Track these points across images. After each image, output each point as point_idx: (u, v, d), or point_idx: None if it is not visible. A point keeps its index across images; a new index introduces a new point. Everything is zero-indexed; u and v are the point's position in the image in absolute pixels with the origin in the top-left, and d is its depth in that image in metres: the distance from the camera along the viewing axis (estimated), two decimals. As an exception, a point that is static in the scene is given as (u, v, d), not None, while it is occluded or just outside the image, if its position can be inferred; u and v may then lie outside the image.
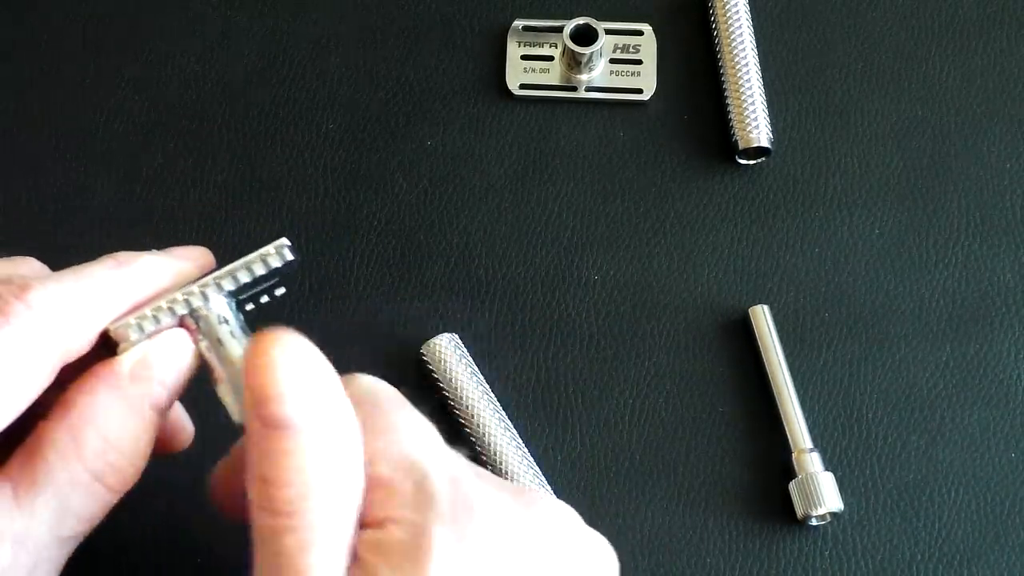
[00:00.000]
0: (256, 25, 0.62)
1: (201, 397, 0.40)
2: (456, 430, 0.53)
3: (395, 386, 0.40)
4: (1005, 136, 0.59)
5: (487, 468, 0.51)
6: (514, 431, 0.53)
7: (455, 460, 0.38)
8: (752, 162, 0.59)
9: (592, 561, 0.39)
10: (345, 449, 0.36)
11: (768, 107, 0.59)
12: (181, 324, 0.39)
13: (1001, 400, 0.55)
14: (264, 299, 0.41)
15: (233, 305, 0.40)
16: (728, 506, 0.53)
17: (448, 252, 0.57)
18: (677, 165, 0.59)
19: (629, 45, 0.61)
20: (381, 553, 0.35)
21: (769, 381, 0.54)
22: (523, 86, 0.60)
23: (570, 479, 0.53)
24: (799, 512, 0.52)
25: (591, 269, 0.57)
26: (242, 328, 0.40)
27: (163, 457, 0.42)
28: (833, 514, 0.52)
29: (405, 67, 0.61)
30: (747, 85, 0.58)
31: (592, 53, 0.59)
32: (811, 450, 0.53)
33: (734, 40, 0.59)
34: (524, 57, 0.61)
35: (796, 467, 0.52)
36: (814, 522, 0.52)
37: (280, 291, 0.41)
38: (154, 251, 0.41)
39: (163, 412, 0.39)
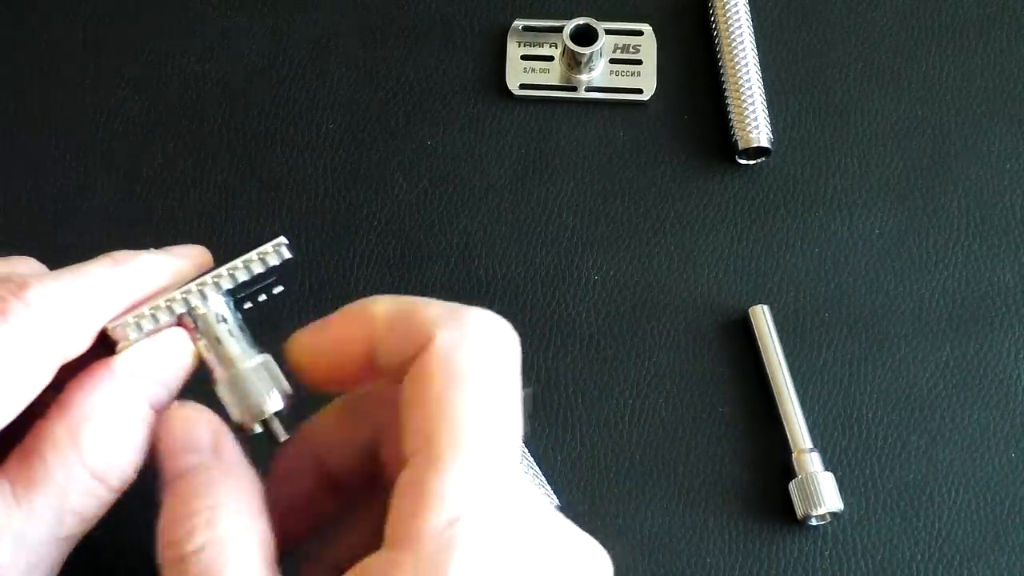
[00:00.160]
0: (256, 25, 0.62)
1: (200, 397, 0.40)
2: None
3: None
4: (1005, 136, 0.59)
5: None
6: (514, 431, 0.53)
7: None
8: (752, 162, 0.59)
9: (585, 565, 0.38)
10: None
11: (768, 107, 0.59)
12: (179, 323, 0.39)
13: (1001, 400, 0.54)
14: (262, 298, 0.41)
15: (231, 304, 0.40)
16: (728, 506, 0.53)
17: (448, 252, 0.57)
18: (677, 165, 0.59)
19: (629, 45, 0.61)
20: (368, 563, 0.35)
21: (769, 381, 0.54)
22: (523, 86, 0.60)
23: (570, 479, 0.53)
24: (799, 512, 0.52)
25: (591, 269, 0.57)
26: (240, 327, 0.40)
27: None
28: (833, 514, 0.52)
29: (405, 67, 0.61)
30: (747, 85, 0.58)
31: (592, 53, 0.59)
32: (811, 450, 0.53)
33: (734, 40, 0.59)
34: (524, 57, 0.61)
35: (796, 467, 0.52)
36: (814, 522, 0.52)
37: (278, 290, 0.41)
38: (152, 250, 0.41)
39: (161, 411, 0.39)
